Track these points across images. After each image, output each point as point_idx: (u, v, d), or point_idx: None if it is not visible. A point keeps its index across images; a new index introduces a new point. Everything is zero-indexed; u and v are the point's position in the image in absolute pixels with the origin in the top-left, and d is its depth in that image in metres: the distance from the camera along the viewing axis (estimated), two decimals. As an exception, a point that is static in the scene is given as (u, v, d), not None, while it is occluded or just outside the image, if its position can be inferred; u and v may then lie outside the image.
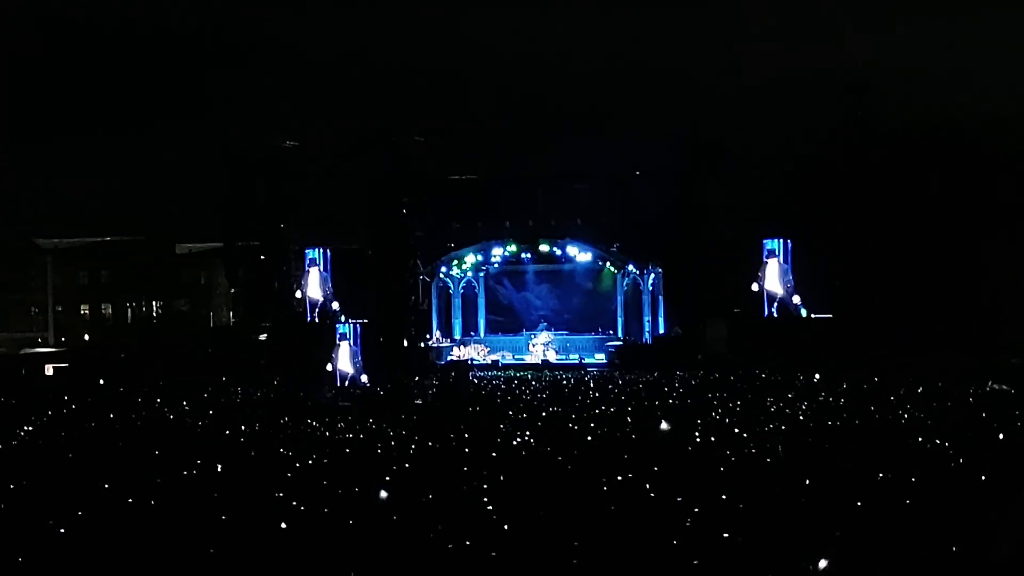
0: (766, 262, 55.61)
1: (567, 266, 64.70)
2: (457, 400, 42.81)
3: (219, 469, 27.18)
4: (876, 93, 57.36)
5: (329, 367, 49.43)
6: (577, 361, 60.45)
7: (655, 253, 61.59)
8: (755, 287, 55.48)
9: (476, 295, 66.22)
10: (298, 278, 60.46)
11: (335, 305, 59.09)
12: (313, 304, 59.54)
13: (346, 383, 48.67)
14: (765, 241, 55.61)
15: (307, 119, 68.84)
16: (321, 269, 59.58)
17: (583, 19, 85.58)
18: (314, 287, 59.59)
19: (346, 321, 52.80)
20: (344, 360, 49.23)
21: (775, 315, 55.18)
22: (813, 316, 55.29)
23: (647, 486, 23.13)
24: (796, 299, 55.18)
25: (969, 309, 54.36)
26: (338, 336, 49.90)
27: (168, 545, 19.67)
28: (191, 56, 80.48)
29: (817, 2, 79.24)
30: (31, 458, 29.82)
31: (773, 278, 55.60)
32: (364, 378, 48.88)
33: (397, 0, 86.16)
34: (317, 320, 58.63)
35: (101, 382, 50.48)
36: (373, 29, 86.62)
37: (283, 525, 20.41)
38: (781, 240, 55.64)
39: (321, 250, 59.83)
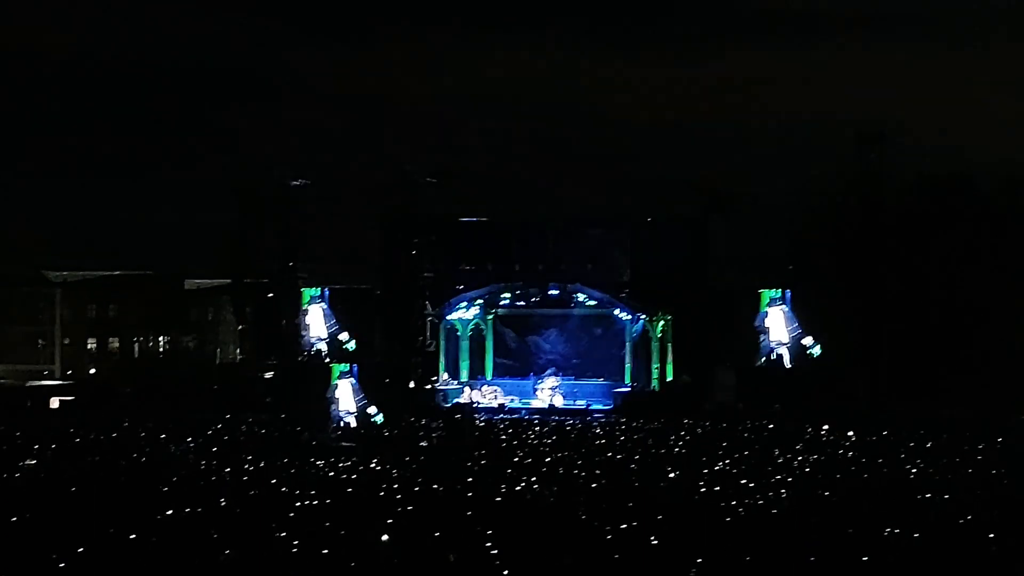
0: (767, 311, 55.67)
1: (576, 311, 64.38)
2: (462, 443, 42.58)
3: (221, 506, 27.07)
4: (889, 145, 57.34)
5: (330, 405, 49.01)
6: (584, 407, 60.09)
7: (665, 300, 61.31)
8: (760, 331, 55.55)
9: (484, 338, 65.87)
10: (304, 315, 60.11)
11: (344, 336, 58.62)
12: (312, 342, 59.18)
13: (350, 422, 48.18)
14: (767, 291, 55.63)
15: (317, 158, 68.98)
16: (324, 305, 59.28)
17: (599, 66, 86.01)
18: (317, 324, 59.26)
19: (343, 362, 52.25)
20: (346, 398, 48.81)
21: (785, 364, 55.11)
22: (820, 360, 55.10)
23: (651, 535, 22.96)
24: (808, 340, 55.11)
25: (981, 365, 54.05)
26: (339, 374, 49.48)
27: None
28: (203, 94, 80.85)
29: (835, 56, 79.58)
30: (34, 491, 29.73)
31: (779, 326, 55.58)
32: (373, 411, 48.30)
33: (412, 43, 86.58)
34: (325, 356, 58.24)
35: (106, 416, 50.28)
36: (386, 71, 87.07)
37: (286, 566, 20.27)
38: (783, 290, 55.67)
39: (323, 288, 59.62)
